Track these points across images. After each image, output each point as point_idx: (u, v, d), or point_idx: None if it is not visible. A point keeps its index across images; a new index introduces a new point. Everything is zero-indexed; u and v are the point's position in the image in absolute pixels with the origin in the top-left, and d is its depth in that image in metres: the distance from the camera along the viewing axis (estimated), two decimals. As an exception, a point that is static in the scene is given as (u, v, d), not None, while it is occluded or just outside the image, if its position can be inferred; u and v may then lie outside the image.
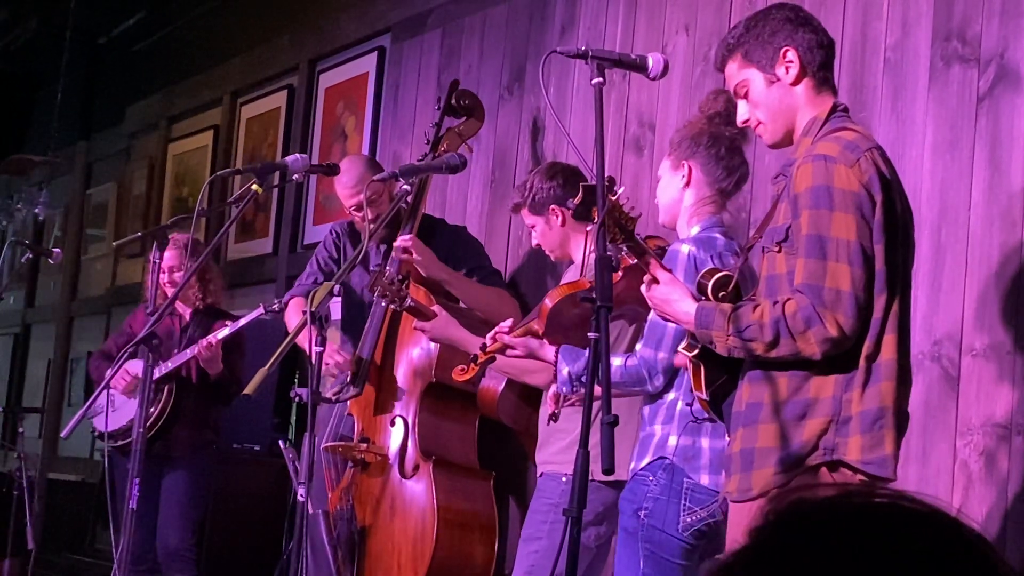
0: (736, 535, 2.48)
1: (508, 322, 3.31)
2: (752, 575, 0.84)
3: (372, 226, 4.18)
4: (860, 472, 2.45)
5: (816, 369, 2.47)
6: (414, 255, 4.17)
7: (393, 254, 4.21)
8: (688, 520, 2.98)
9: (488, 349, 3.31)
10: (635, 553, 3.00)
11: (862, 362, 2.46)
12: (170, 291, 4.72)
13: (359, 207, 4.31)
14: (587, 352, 2.87)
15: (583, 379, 2.95)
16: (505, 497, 4.53)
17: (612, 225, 2.49)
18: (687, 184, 3.14)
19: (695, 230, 3.12)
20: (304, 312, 3.31)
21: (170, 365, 4.78)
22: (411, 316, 3.99)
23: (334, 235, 4.64)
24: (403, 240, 4.18)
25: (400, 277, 4.01)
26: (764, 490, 2.48)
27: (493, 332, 3.31)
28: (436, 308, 3.88)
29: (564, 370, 3.08)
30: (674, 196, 3.16)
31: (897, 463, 2.49)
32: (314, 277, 4.54)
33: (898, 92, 3.64)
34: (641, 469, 3.05)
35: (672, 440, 3.02)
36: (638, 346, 3.11)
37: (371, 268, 4.32)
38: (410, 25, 5.77)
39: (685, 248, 3.05)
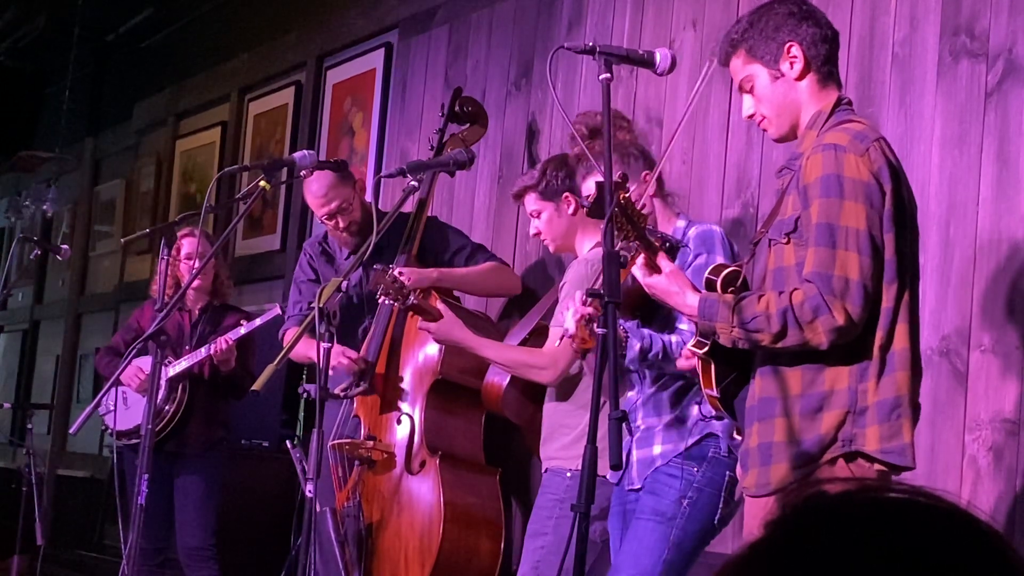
0: (753, 528, 2.49)
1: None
2: (768, 568, 0.84)
3: (345, 234, 4.32)
4: (878, 462, 2.46)
5: (830, 361, 2.47)
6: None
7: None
8: (724, 512, 3.07)
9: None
10: (663, 538, 3.04)
11: (876, 352, 2.46)
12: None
13: (330, 216, 4.34)
14: (648, 332, 3.05)
15: (649, 356, 3.04)
16: (511, 493, 4.53)
17: (624, 221, 2.49)
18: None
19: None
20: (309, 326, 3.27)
21: (185, 363, 4.78)
22: (415, 315, 3.97)
23: (307, 256, 4.64)
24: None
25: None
26: (782, 484, 2.49)
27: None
28: (441, 308, 3.85)
29: (636, 346, 3.07)
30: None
31: (914, 452, 2.50)
32: (300, 305, 4.53)
33: (906, 87, 3.64)
34: (680, 455, 3.07)
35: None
36: (683, 324, 3.11)
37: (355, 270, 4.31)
38: (417, 21, 5.78)
39: (717, 228, 3.22)
